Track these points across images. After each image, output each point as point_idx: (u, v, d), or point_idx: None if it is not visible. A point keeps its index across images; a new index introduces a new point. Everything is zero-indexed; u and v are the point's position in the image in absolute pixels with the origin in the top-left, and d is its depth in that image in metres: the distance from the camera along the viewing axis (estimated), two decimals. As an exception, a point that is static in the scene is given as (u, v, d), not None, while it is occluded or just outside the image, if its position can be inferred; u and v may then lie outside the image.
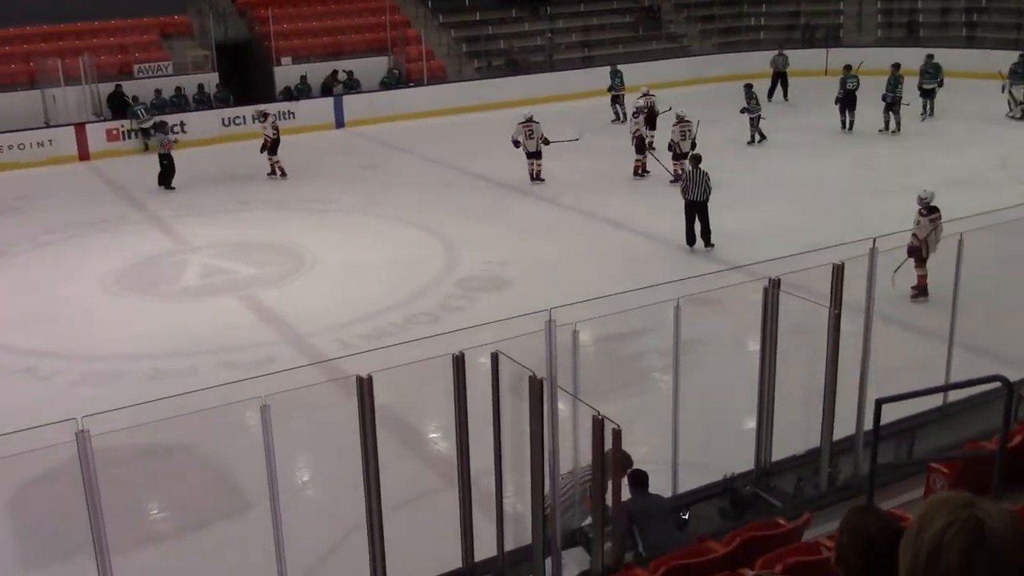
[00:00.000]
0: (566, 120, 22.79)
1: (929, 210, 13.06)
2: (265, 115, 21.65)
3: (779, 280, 7.80)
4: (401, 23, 29.62)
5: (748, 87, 22.94)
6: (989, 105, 25.45)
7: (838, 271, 7.70)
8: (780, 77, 27.58)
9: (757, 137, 22.74)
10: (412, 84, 28.22)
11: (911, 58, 27.48)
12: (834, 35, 32.26)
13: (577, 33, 31.54)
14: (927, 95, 24.42)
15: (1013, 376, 8.01)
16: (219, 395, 7.16)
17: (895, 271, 12.54)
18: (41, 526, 9.12)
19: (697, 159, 15.65)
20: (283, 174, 21.27)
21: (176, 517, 9.45)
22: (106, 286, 15.09)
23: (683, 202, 15.53)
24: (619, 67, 26.60)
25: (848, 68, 23.39)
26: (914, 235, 12.98)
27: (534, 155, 19.86)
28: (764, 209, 17.28)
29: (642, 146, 20.17)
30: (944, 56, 29.42)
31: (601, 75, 29.35)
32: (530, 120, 19.79)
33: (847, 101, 23.41)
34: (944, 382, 8.70)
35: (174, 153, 20.49)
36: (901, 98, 22.95)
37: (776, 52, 27.97)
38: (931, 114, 24.53)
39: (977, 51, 29.54)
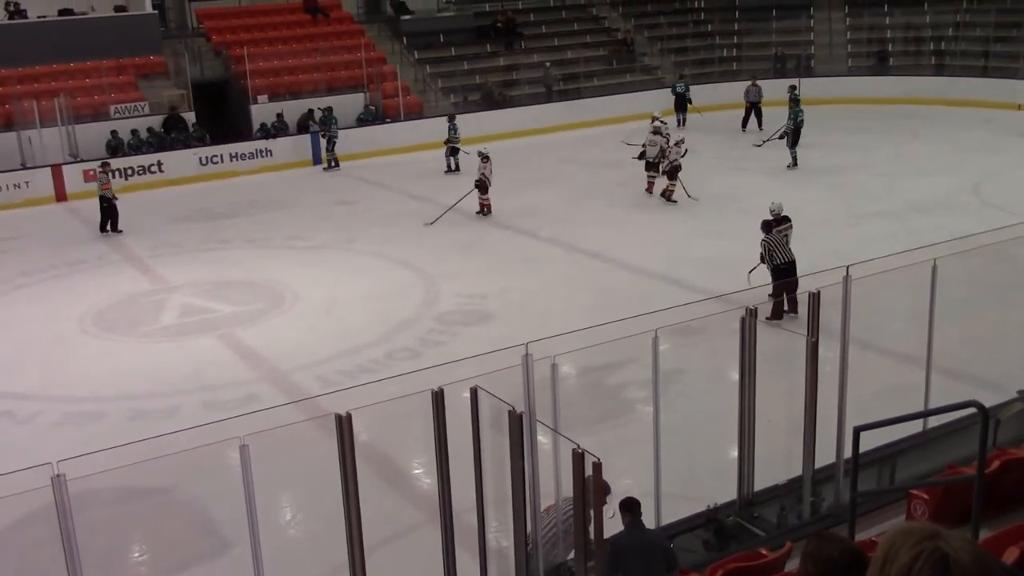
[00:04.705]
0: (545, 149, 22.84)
1: (778, 221, 14.43)
2: None
3: (756, 309, 7.83)
4: (377, 60, 29.73)
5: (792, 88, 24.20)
6: (960, 132, 25.75)
7: (814, 299, 7.74)
8: (754, 107, 27.86)
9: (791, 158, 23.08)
10: (388, 120, 28.30)
11: (884, 87, 27.82)
12: (806, 65, 32.61)
13: (553, 67, 31.74)
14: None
15: (992, 400, 8.08)
16: (198, 435, 7.11)
17: (751, 272, 13.98)
18: (20, 571, 9.00)
19: (769, 225, 14.32)
20: None
21: (156, 559, 9.35)
22: (85, 327, 15.00)
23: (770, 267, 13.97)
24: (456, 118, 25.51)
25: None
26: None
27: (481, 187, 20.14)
28: (742, 237, 17.36)
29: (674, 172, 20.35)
30: (915, 84, 29.89)
31: (578, 108, 29.64)
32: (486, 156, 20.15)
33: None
34: (923, 408, 8.73)
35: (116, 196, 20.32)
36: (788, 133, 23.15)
37: (749, 83, 28.21)
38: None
39: (946, 79, 30.01)
